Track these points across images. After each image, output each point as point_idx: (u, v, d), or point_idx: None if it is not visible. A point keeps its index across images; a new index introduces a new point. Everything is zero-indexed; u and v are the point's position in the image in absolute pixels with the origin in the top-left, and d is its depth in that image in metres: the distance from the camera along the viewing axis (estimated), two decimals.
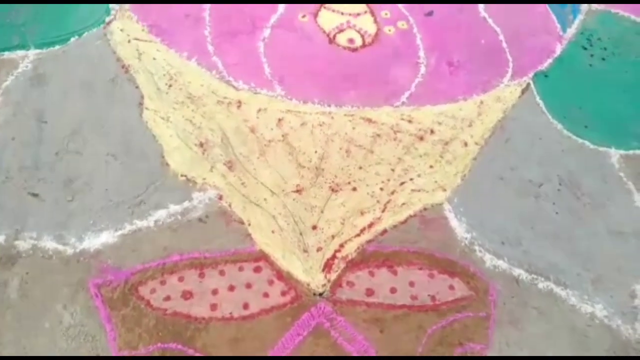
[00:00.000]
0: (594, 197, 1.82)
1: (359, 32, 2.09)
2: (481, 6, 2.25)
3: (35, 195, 1.54)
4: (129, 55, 1.86)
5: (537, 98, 2.03)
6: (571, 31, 2.26)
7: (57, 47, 1.84)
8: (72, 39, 1.86)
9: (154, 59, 1.87)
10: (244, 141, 1.76)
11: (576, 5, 2.34)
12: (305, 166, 1.74)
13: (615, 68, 2.17)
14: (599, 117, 2.03)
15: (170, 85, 1.82)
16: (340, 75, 1.97)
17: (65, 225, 1.50)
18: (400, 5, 2.19)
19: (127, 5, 1.97)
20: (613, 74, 2.16)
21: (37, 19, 1.88)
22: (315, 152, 1.77)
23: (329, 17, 2.11)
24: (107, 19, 1.93)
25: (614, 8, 2.37)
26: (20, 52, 1.80)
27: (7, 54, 1.79)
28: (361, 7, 2.15)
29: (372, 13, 2.14)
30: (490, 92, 2.03)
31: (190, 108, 1.79)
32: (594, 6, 2.36)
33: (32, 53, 1.80)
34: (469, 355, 1.45)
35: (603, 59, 2.19)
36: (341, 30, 2.08)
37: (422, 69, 2.03)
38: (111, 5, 1.97)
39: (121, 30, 1.91)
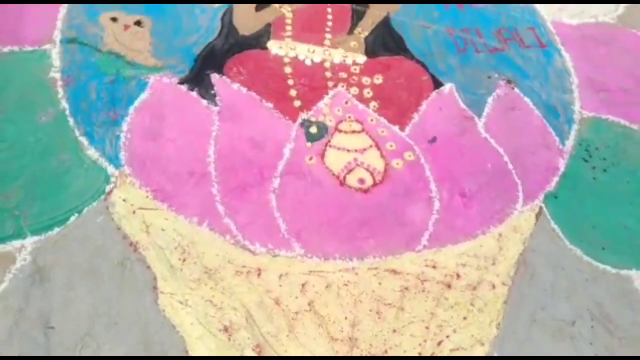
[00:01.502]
0: (627, 330, 1.80)
1: (367, 169, 2.05)
2: (480, 126, 2.26)
3: None
4: (136, 229, 1.74)
5: (552, 223, 2.03)
6: (569, 143, 2.30)
7: (55, 230, 1.69)
8: (72, 218, 1.72)
9: (163, 229, 1.76)
10: (270, 317, 1.65)
11: (570, 114, 2.40)
12: (337, 338, 1.64)
13: (617, 179, 2.21)
14: (613, 235, 2.04)
15: (184, 260, 1.71)
16: (357, 222, 1.91)
17: None
18: (403, 134, 2.17)
19: (126, 170, 1.86)
20: (616, 185, 2.19)
21: (31, 199, 1.72)
22: (346, 318, 1.68)
23: (336, 156, 2.06)
24: (107, 188, 1.81)
25: (603, 114, 2.44)
26: (16, 243, 1.64)
27: (1, 247, 1.63)
28: (366, 142, 2.12)
29: (378, 146, 2.12)
30: (506, 221, 2.01)
31: (208, 285, 1.67)
32: (585, 113, 2.43)
33: (29, 242, 1.65)
34: None
35: (604, 170, 2.24)
36: (350, 170, 2.03)
37: (436, 204, 2.00)
38: (110, 171, 1.85)
39: (124, 200, 1.79)
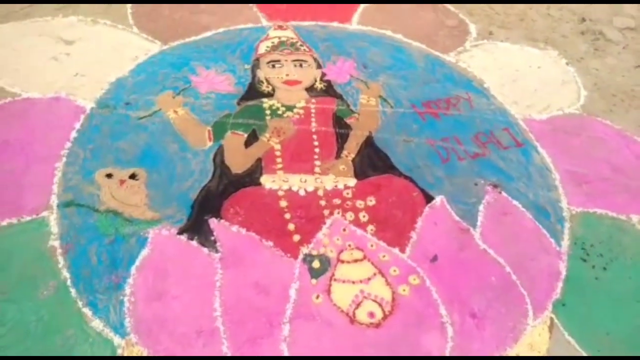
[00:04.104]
0: None
1: (375, 300, 2.04)
2: (477, 237, 2.31)
3: None
4: None
5: (566, 334, 2.02)
6: (565, 243, 2.35)
7: None
8: None
9: None
10: None
11: (559, 212, 2.47)
12: None
13: (618, 276, 2.25)
14: (629, 340, 2.03)
15: None
16: None
17: None
18: (404, 257, 2.19)
19: (133, 339, 1.81)
20: (619, 283, 2.22)
21: None
22: None
23: (342, 290, 2.06)
24: None
25: (590, 207, 2.53)
26: None
27: None
28: (370, 270, 2.13)
29: (382, 273, 2.12)
30: (520, 339, 1.99)
31: None
32: (573, 209, 2.51)
33: None
34: None
35: (604, 269, 2.27)
36: (358, 305, 2.02)
37: (449, 330, 1.98)
38: (116, 342, 1.80)
39: None
